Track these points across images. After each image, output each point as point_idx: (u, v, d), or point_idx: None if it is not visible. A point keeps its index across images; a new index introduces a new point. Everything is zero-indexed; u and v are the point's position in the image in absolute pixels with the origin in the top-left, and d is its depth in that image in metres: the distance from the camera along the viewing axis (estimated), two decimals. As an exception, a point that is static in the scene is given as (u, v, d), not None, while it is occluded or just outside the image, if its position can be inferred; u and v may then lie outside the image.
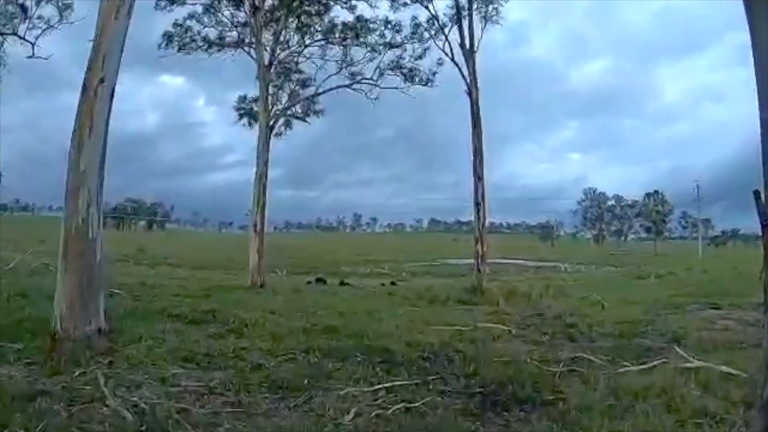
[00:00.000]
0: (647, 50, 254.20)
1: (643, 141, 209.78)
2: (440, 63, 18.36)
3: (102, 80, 7.08)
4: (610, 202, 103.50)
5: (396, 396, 4.75)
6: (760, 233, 2.81)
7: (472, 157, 16.59)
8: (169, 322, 7.73)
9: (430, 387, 5.05)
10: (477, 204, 16.50)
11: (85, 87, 7.06)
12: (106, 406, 4.05)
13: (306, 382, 4.95)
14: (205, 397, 4.47)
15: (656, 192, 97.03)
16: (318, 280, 19.86)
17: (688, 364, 5.90)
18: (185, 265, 31.60)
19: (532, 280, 20.64)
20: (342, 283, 19.36)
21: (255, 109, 18.82)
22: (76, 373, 4.89)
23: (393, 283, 20.12)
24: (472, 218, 16.97)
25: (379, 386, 4.93)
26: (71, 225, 6.49)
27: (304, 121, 20.27)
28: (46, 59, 16.04)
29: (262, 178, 16.90)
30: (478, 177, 16.52)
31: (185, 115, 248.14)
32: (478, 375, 5.48)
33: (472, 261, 16.81)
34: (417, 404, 4.48)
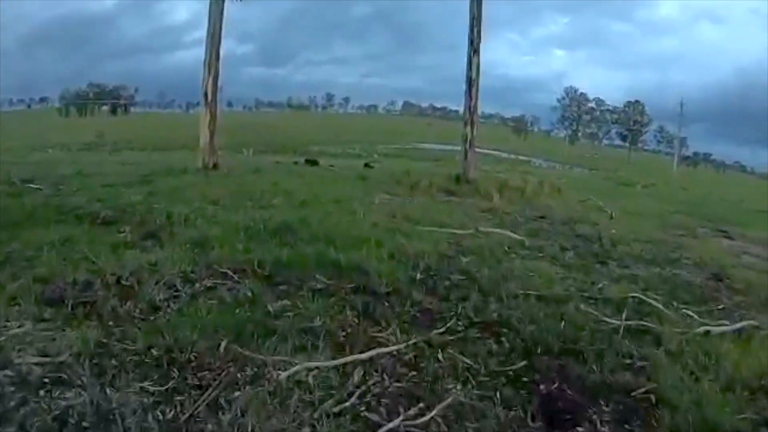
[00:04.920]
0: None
1: (631, 48, 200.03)
2: None
3: None
4: (591, 104, 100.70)
5: (384, 379, 2.63)
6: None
7: (468, 28, 13.65)
8: (71, 227, 5.41)
9: (440, 359, 2.92)
10: (470, 80, 13.75)
11: None
12: None
13: (223, 347, 2.66)
14: (46, 388, 2.30)
15: (637, 102, 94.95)
16: (308, 161, 17.44)
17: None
18: (147, 148, 28.48)
19: (520, 174, 18.53)
20: (311, 162, 17.05)
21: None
22: None
23: (367, 165, 17.80)
24: (463, 97, 14.06)
25: (354, 356, 2.72)
26: None
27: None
28: None
29: (215, 38, 13.31)
30: (474, 50, 13.63)
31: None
32: (509, 330, 3.43)
33: (447, 147, 14.50)
34: (432, 415, 2.35)
